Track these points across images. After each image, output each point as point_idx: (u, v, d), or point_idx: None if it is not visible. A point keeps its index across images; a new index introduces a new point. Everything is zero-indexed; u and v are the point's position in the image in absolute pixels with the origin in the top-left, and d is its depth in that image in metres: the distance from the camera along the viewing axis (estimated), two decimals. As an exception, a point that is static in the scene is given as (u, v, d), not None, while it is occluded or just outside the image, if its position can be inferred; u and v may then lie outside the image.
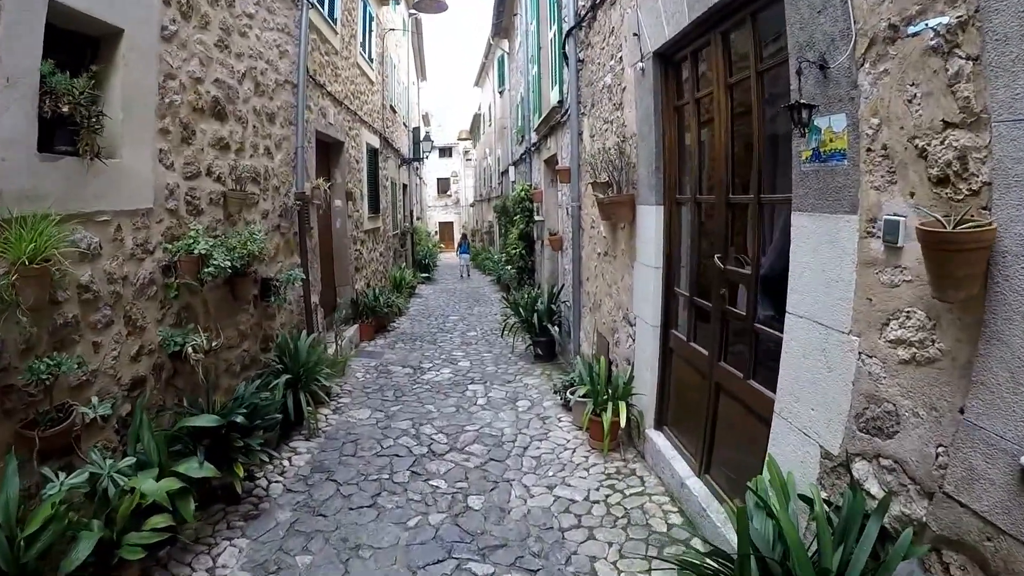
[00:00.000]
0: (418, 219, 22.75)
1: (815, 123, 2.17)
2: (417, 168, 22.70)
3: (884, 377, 2.02)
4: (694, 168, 3.65)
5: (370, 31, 10.71)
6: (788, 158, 2.46)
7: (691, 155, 3.74)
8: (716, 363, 3.36)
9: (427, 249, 19.55)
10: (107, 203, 3.49)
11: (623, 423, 4.38)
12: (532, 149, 10.74)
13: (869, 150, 1.99)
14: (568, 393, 5.35)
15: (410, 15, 16.98)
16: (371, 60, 10.89)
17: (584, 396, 4.83)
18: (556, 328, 7.60)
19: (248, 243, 5.00)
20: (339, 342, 7.48)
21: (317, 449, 5.14)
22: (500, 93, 18.00)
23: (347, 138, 8.97)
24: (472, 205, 33.24)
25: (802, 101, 2.13)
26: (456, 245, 23.44)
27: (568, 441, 5.03)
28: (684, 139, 3.83)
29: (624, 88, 4.53)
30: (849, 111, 2.06)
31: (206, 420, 3.85)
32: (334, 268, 8.96)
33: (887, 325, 1.98)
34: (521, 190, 10.84)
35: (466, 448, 5.05)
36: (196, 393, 4.34)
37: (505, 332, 8.42)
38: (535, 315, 7.53)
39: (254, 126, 5.74)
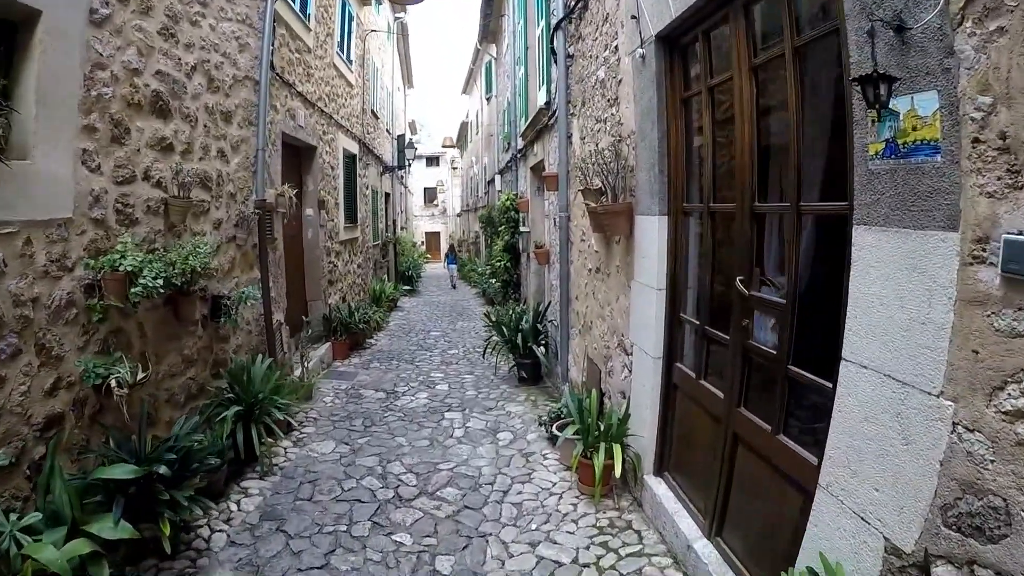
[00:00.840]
0: (403, 229, 22.13)
1: (890, 105, 1.59)
2: (402, 177, 22.11)
3: (992, 461, 1.45)
4: (707, 171, 3.07)
5: (349, 31, 10.14)
6: (840, 155, 1.89)
7: (703, 155, 3.17)
8: (734, 408, 2.78)
9: (411, 260, 18.91)
10: (13, 212, 2.94)
11: (618, 468, 3.77)
12: (518, 156, 10.18)
13: (977, 140, 1.42)
14: (555, 428, 4.74)
15: (395, 19, 16.46)
16: (350, 61, 10.30)
17: (573, 434, 4.22)
18: (543, 349, 7.00)
19: (190, 257, 4.38)
20: (305, 364, 6.83)
21: (270, 491, 4.51)
22: (488, 100, 17.49)
23: (321, 143, 8.37)
24: (459, 215, 32.67)
25: (879, 71, 1.54)
26: (443, 256, 23.34)
27: (554, 484, 4.41)
28: (692, 137, 3.27)
29: (620, 81, 3.97)
30: (943, 87, 1.49)
31: (122, 471, 3.23)
32: (305, 282, 8.32)
33: (1001, 390, 1.41)
34: (506, 199, 10.27)
35: (438, 492, 4.42)
36: (129, 430, 3.70)
37: (487, 352, 7.79)
38: (519, 335, 6.92)
39: (205, 125, 5.14)
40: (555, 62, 5.94)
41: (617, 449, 3.80)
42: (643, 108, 3.55)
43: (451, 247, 23.01)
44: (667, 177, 3.34)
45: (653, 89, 3.35)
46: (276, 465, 4.94)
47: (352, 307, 9.22)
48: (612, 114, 4.22)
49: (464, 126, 28.03)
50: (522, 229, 8.97)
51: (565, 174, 5.70)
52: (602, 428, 4.03)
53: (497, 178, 14.02)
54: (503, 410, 6.26)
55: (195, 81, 5.00)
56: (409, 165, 16.73)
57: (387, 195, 16.36)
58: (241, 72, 5.77)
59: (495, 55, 15.47)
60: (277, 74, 6.64)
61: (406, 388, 7.21)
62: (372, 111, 12.88)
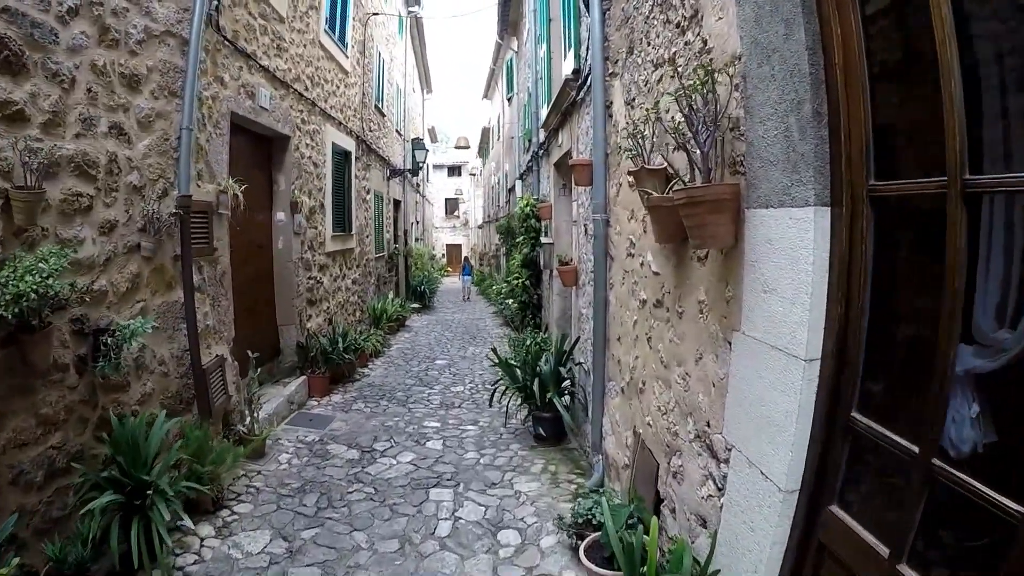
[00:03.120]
0: (418, 240, 20.62)
1: None
2: (418, 185, 20.64)
3: None
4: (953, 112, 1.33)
5: (343, 9, 8.63)
6: None
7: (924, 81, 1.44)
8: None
9: (424, 275, 17.33)
10: None
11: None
12: (539, 153, 8.52)
13: None
14: (582, 553, 3.01)
15: (408, 12, 15.03)
16: (344, 44, 8.79)
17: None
18: (567, 398, 5.28)
19: (28, 275, 2.86)
20: (255, 412, 5.21)
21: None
22: (509, 100, 15.93)
23: (298, 133, 6.82)
24: (481, 227, 31.13)
25: None
26: (460, 268, 23.17)
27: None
28: (872, 50, 1.55)
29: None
30: None
31: None
32: (275, 303, 6.74)
33: None
34: (525, 204, 8.61)
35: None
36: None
37: (496, 397, 6.08)
38: (536, 380, 5.21)
39: (90, 90, 3.65)
40: (586, 8, 4.28)
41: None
42: (756, 4, 1.85)
43: (466, 259, 23.02)
44: (828, 128, 1.63)
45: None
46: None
47: (338, 332, 7.61)
48: (687, 42, 2.53)
49: (485, 132, 26.55)
50: (544, 240, 7.29)
51: (603, 159, 4.02)
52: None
53: (518, 184, 12.39)
54: (511, 488, 4.55)
55: (75, 29, 3.53)
56: (420, 168, 15.17)
57: (396, 202, 14.83)
58: (159, 25, 4.24)
59: (515, 49, 13.91)
60: (225, 38, 5.11)
61: (388, 444, 5.53)
62: (376, 106, 11.37)
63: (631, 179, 3.23)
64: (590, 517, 3.32)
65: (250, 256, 6.13)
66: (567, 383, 5.31)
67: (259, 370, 5.41)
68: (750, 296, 1.94)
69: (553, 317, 7.31)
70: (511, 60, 15.21)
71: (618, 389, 3.99)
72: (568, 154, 5.96)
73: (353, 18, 9.31)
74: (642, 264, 3.33)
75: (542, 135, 8.25)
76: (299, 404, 6.58)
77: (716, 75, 2.09)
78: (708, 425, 2.34)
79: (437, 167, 36.25)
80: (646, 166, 2.76)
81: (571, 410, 5.34)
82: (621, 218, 3.78)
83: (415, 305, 15.07)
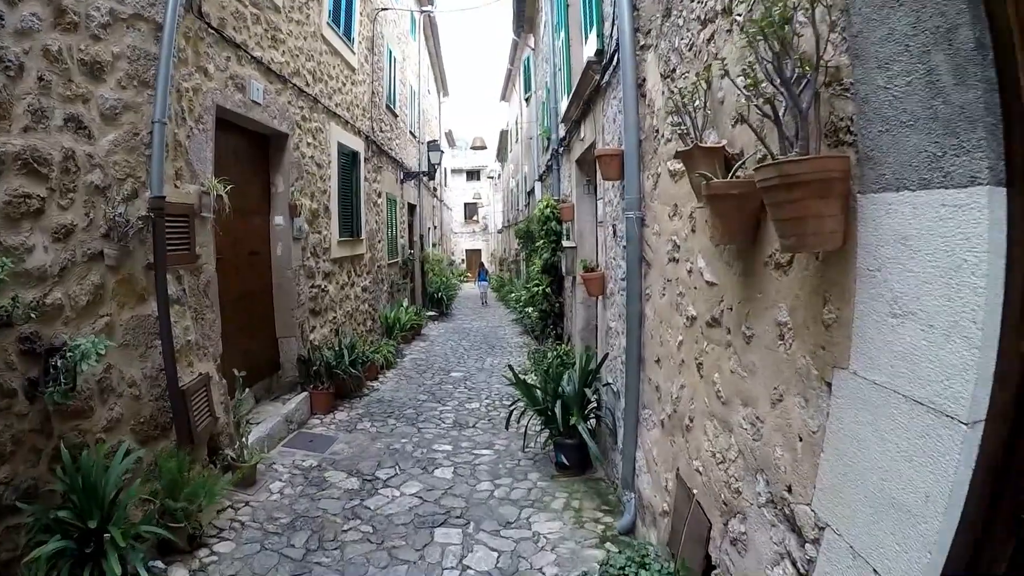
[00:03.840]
0: (435, 245, 20.13)
1: None
2: (435, 189, 20.18)
3: None
4: None
5: (348, 1, 8.15)
6: None
7: None
8: None
9: (442, 281, 16.81)
10: None
11: None
12: (559, 150, 7.95)
13: None
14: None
15: (422, 10, 14.58)
16: (351, 39, 8.31)
17: None
18: (592, 423, 4.69)
19: None
20: (244, 436, 4.71)
21: None
22: (527, 100, 15.40)
23: (297, 131, 6.33)
24: (500, 231, 30.61)
25: None
26: (476, 274, 23.38)
27: None
28: None
29: None
30: None
31: None
32: (273, 314, 6.24)
33: None
34: (545, 205, 8.02)
35: None
36: None
37: (515, 418, 5.49)
38: (558, 402, 4.62)
39: (42, 78, 3.17)
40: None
41: None
42: None
43: (481, 265, 23.55)
44: (995, 68, 1.04)
45: None
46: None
47: (344, 344, 7.09)
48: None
49: (503, 135, 26.05)
50: (565, 244, 6.70)
51: (636, 147, 3.43)
52: None
53: (537, 186, 11.83)
54: (528, 528, 3.95)
55: (24, 10, 3.08)
56: (435, 171, 14.67)
57: (411, 206, 14.35)
58: (127, 8, 3.77)
59: (532, 45, 13.36)
60: (209, 25, 4.62)
61: (392, 471, 4.98)
62: (388, 106, 10.89)
63: (677, 164, 2.66)
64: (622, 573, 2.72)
65: (244, 263, 5.64)
66: (593, 406, 4.71)
67: (248, 390, 4.90)
68: (867, 320, 1.34)
69: (576, 328, 6.71)
70: (528, 59, 14.68)
71: (656, 420, 3.38)
72: (592, 147, 5.37)
73: (360, 13, 8.84)
74: (690, 271, 2.73)
75: (562, 130, 7.68)
76: (299, 423, 6.07)
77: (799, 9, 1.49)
78: (789, 490, 1.74)
79: (455, 171, 35.86)
80: (700, 144, 2.17)
81: (597, 435, 4.74)
82: (660, 216, 3.19)
83: (431, 313, 14.55)
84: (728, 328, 2.35)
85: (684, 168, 2.43)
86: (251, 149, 5.76)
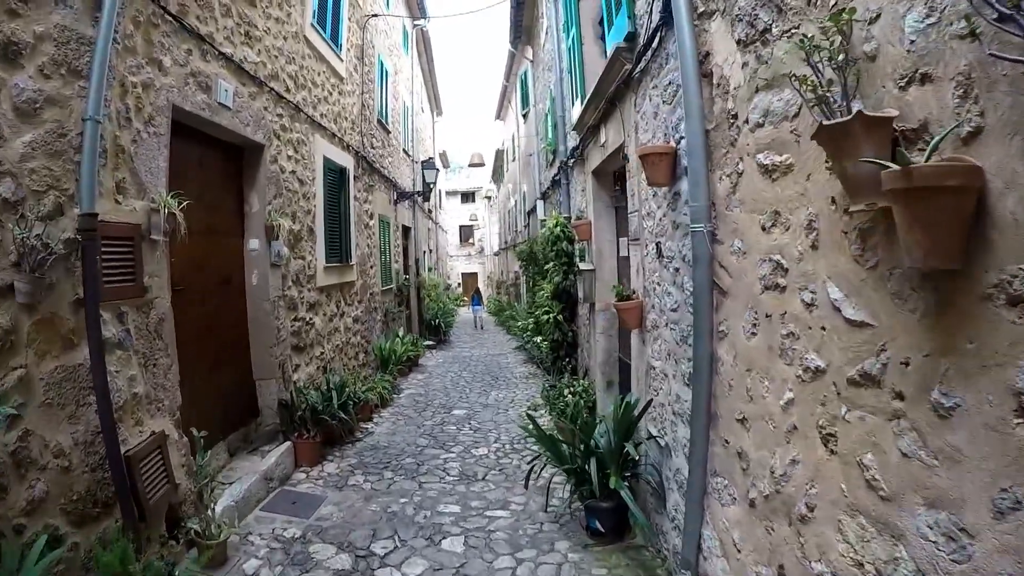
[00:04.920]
0: (430, 270, 19.32)
1: None
2: (430, 211, 19.44)
3: None
4: None
5: (336, 4, 7.44)
6: None
7: None
8: None
9: (439, 307, 15.97)
10: None
11: None
12: (569, 163, 7.20)
13: None
14: None
15: (414, 25, 13.96)
16: (338, 46, 7.59)
17: None
18: (634, 481, 3.84)
19: None
20: (210, 506, 3.84)
21: None
22: (524, 116, 14.75)
23: (275, 142, 5.54)
24: (497, 254, 29.86)
25: None
26: (470, 299, 23.27)
27: None
28: None
29: None
30: None
31: None
32: (250, 353, 5.39)
33: None
34: (554, 224, 7.23)
35: None
36: None
37: (535, 469, 4.63)
38: (592, 460, 3.76)
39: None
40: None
41: None
42: None
43: (476, 290, 23.86)
44: None
45: None
46: None
47: (333, 384, 6.23)
48: None
49: (499, 155, 25.42)
50: (582, 267, 5.89)
51: (702, 139, 2.65)
52: None
53: (539, 204, 11.08)
54: (568, 630, 3.09)
55: None
56: (431, 191, 13.91)
57: (406, 229, 13.56)
58: (51, -22, 2.99)
59: (531, 57, 12.73)
60: (166, 10, 3.85)
61: (391, 544, 4.11)
62: (379, 121, 10.16)
63: (775, 157, 1.89)
64: None
65: (213, 294, 4.81)
66: (633, 462, 3.86)
67: (222, 442, 4.04)
68: None
69: (596, 360, 5.88)
70: (525, 73, 14.07)
71: (738, 495, 2.55)
72: (617, 154, 4.60)
73: (349, 19, 8.13)
74: (810, 304, 1.93)
75: (572, 140, 6.93)
76: (281, 479, 5.19)
77: None
78: None
79: (450, 193, 35.22)
80: (867, 113, 1.39)
81: (634, 492, 3.88)
82: (746, 228, 2.39)
83: (429, 342, 13.69)
84: (898, 391, 1.54)
85: (823, 153, 1.65)
86: (221, 161, 4.96)
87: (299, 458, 5.58)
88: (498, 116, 22.68)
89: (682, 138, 3.07)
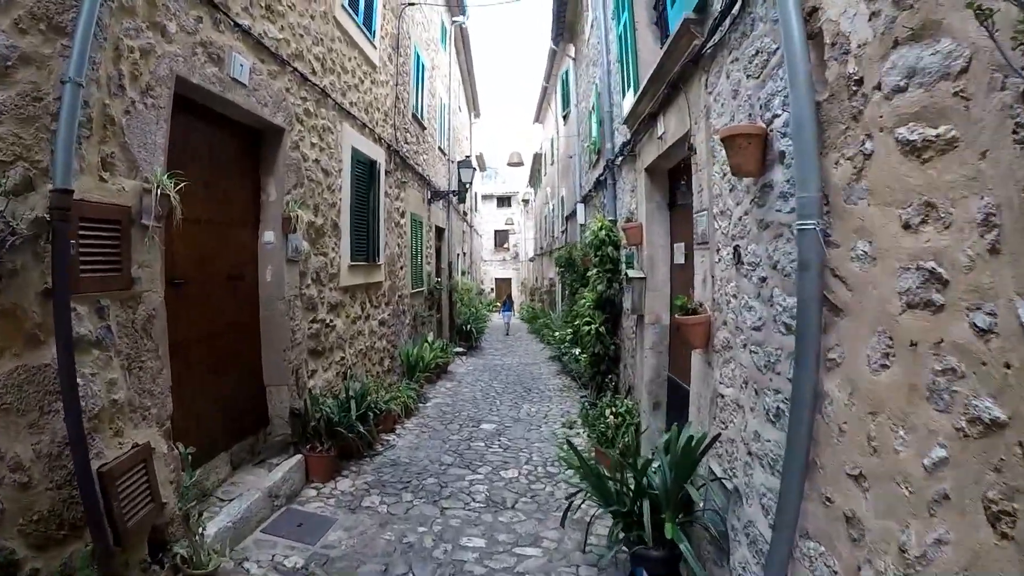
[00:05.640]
0: (464, 273, 18.87)
1: None
2: (465, 213, 19.00)
3: None
4: None
5: (372, -12, 7.01)
6: None
7: None
8: None
9: (471, 312, 15.47)
10: None
11: None
12: (616, 161, 6.61)
13: None
14: None
15: (452, 21, 13.55)
16: (371, 32, 7.17)
17: None
18: (689, 526, 3.22)
19: None
20: (198, 530, 3.36)
21: None
22: (564, 118, 14.22)
23: (297, 126, 5.10)
24: (532, 260, 29.32)
25: None
26: (501, 304, 22.96)
27: None
28: None
29: None
30: None
31: None
32: (261, 356, 4.93)
33: None
34: (599, 227, 6.63)
35: None
36: None
37: (574, 505, 4.03)
38: (644, 501, 3.16)
39: None
40: None
41: None
42: None
43: (508, 296, 25.11)
44: None
45: None
46: None
47: (353, 392, 5.75)
48: None
49: (537, 159, 24.92)
50: (631, 274, 5.27)
51: (810, 112, 2.04)
52: None
53: (580, 208, 10.50)
54: None
55: None
56: (466, 190, 13.42)
57: (439, 230, 13.11)
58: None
59: (573, 55, 12.20)
60: (174, -33, 3.40)
61: (404, 587, 3.57)
62: (415, 115, 9.72)
63: (928, 130, 1.27)
64: None
65: (220, 290, 4.36)
66: (695, 505, 3.24)
67: (203, 468, 3.56)
68: None
69: (643, 379, 5.25)
70: (566, 72, 13.55)
71: (840, 569, 1.93)
72: (681, 144, 4.01)
73: (383, 5, 7.70)
74: (984, 331, 1.33)
75: (620, 137, 6.34)
76: (289, 495, 4.70)
77: None
78: None
79: (486, 197, 34.85)
80: None
81: (690, 539, 3.26)
82: (878, 226, 1.78)
83: (459, 349, 13.17)
84: None
85: (1012, 120, 1.05)
86: (236, 145, 4.53)
87: (310, 473, 5.10)
88: (536, 119, 22.17)
89: (775, 116, 2.48)
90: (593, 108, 8.74)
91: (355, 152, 6.52)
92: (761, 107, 2.65)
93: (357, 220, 6.62)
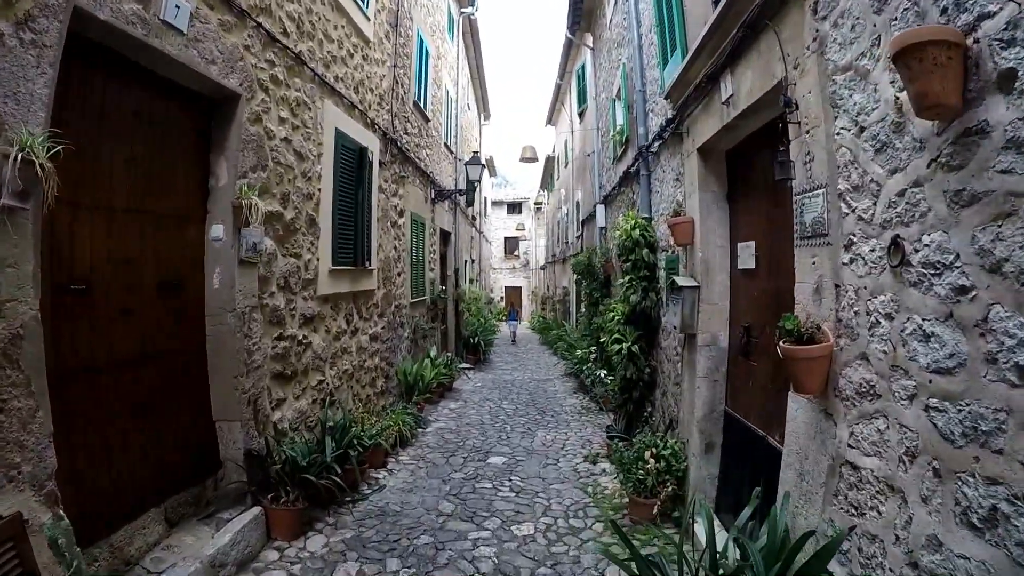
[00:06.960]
0: (472, 281, 17.80)
1: None
2: (474, 218, 17.98)
3: None
4: None
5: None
6: None
7: None
8: None
9: (479, 323, 14.39)
10: None
11: None
12: (652, 148, 5.54)
13: None
14: None
15: (460, 12, 12.58)
16: (364, 1, 6.15)
17: None
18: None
19: None
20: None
21: None
22: (580, 115, 13.21)
23: (261, 95, 4.07)
24: (543, 268, 28.22)
25: None
26: (507, 314, 22.40)
27: None
28: None
29: None
30: None
31: None
32: (208, 384, 3.88)
33: None
34: (633, 225, 5.52)
35: None
36: None
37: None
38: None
39: None
40: None
41: None
42: None
43: (512, 305, 25.44)
44: None
45: None
46: None
47: (333, 422, 4.69)
48: None
49: (549, 162, 23.88)
50: (679, 282, 4.14)
51: None
52: None
53: (599, 210, 9.43)
54: None
55: None
56: (475, 189, 12.38)
57: (445, 233, 12.05)
58: None
59: (591, 44, 11.19)
60: None
61: None
62: (416, 104, 8.69)
63: None
64: None
65: (147, 302, 3.31)
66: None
67: (154, 512, 2.50)
68: None
69: (692, 414, 4.14)
70: (582, 67, 12.55)
71: None
72: (759, 108, 2.93)
73: (381, -26, 6.70)
74: None
75: (656, 119, 5.28)
76: (240, 562, 3.64)
77: None
78: None
79: (496, 203, 33.83)
80: None
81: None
82: None
83: (464, 365, 12.09)
84: None
85: None
86: (177, 114, 3.49)
87: (272, 529, 4.04)
88: (549, 121, 21.11)
89: (981, 18, 1.41)
90: (618, 95, 7.69)
91: (340, 135, 5.48)
92: (951, 7, 1.58)
93: (342, 216, 5.57)
